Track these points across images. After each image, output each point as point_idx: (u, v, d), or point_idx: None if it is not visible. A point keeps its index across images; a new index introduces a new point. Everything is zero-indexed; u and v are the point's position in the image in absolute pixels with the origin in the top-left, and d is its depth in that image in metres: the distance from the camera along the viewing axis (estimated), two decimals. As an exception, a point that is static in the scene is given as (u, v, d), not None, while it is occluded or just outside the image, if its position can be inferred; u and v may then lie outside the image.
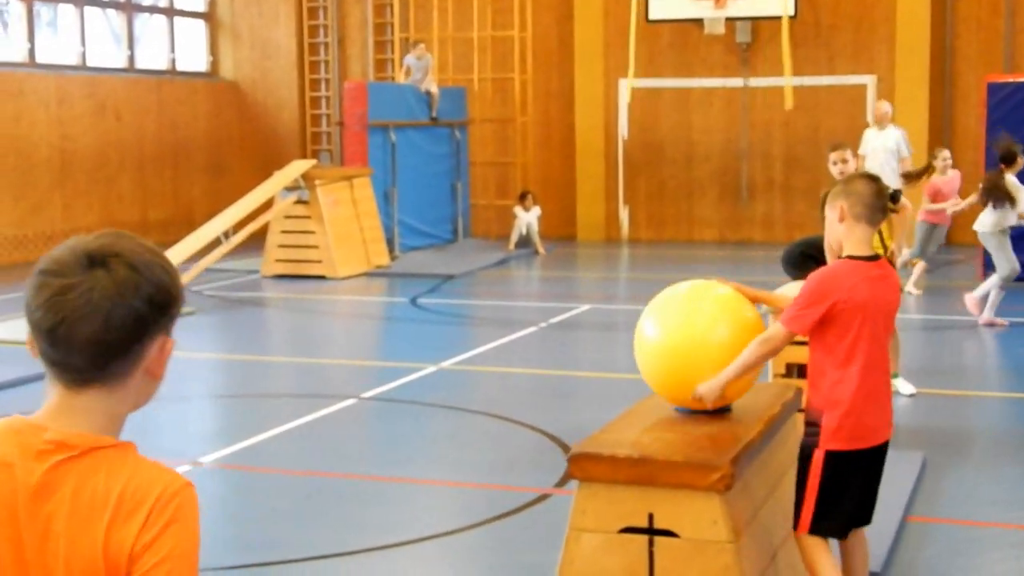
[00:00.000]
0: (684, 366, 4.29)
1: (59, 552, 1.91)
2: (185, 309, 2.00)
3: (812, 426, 4.40)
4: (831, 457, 4.35)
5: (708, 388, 4.25)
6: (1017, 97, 14.24)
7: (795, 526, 4.42)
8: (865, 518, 4.56)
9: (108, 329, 1.90)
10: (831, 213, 4.46)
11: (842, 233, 4.43)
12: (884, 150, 14.96)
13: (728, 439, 4.06)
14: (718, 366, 4.25)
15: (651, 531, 3.93)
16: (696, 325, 4.33)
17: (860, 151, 15.33)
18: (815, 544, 4.39)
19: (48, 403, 1.97)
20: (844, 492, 4.40)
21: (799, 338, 7.48)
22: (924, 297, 13.32)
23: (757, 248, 18.55)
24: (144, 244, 1.99)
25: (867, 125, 18.60)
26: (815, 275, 4.44)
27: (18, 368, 9.24)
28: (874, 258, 4.42)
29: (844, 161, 8.06)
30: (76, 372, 1.94)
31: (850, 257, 4.39)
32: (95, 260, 1.92)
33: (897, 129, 14.95)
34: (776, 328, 4.35)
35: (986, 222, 11.49)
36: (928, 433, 7.97)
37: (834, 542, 4.53)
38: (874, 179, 4.52)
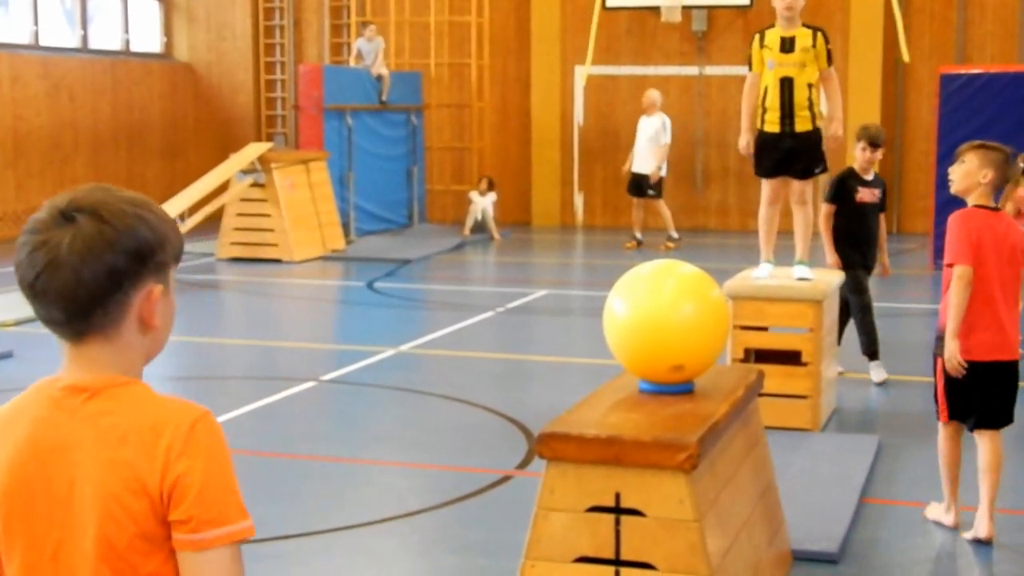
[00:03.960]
0: (650, 341, 4.37)
1: (87, 494, 1.95)
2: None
3: (939, 340, 5.61)
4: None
5: (950, 353, 5.45)
6: (970, 88, 14.40)
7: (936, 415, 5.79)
8: (991, 422, 5.66)
9: (79, 283, 1.93)
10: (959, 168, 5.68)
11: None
12: (646, 137, 16.50)
13: (694, 419, 4.13)
14: (683, 341, 4.34)
15: (618, 510, 3.99)
16: (661, 301, 4.40)
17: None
18: (943, 429, 5.75)
19: (63, 361, 2.03)
20: (962, 392, 5.56)
21: (757, 323, 7.63)
22: (878, 284, 13.44)
23: (711, 235, 18.68)
24: (122, 195, 2.01)
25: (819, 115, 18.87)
26: (952, 220, 5.60)
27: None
28: (996, 209, 5.66)
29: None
30: (62, 325, 1.99)
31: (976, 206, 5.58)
32: (66, 215, 1.96)
33: (661, 117, 16.05)
34: (957, 270, 5.47)
35: None
36: (883, 417, 8.10)
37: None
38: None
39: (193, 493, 1.93)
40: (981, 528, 5.64)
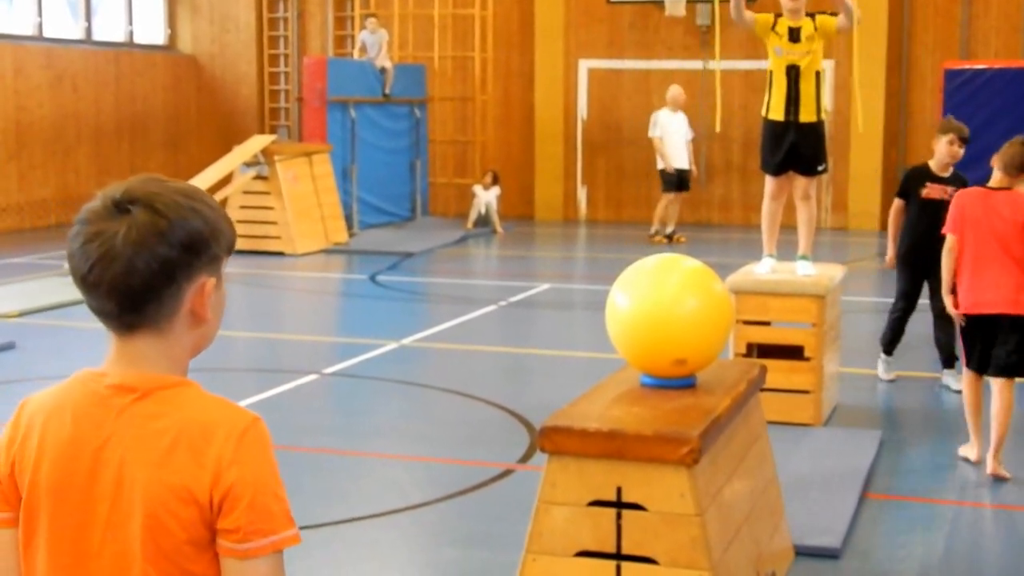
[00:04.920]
0: (652, 335, 4.36)
1: (134, 497, 1.93)
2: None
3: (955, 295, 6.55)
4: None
5: (946, 305, 6.64)
6: (974, 84, 14.38)
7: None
8: (995, 370, 6.46)
9: (132, 274, 1.91)
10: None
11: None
12: (679, 132, 16.80)
13: (697, 413, 4.12)
14: (685, 335, 4.33)
15: (619, 504, 3.98)
16: (664, 295, 4.39)
17: (653, 133, 16.48)
18: (965, 376, 6.64)
19: (109, 353, 2.00)
20: (967, 342, 6.53)
21: (759, 318, 7.63)
22: (880, 279, 13.45)
23: (715, 230, 18.67)
24: (176, 187, 1.99)
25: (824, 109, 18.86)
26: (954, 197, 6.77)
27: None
28: (1004, 188, 6.46)
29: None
30: (114, 318, 1.96)
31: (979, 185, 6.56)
32: (120, 207, 1.93)
33: (683, 113, 16.32)
34: (947, 239, 6.56)
35: None
36: (885, 412, 8.09)
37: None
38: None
39: (244, 504, 1.91)
40: (988, 466, 6.50)
